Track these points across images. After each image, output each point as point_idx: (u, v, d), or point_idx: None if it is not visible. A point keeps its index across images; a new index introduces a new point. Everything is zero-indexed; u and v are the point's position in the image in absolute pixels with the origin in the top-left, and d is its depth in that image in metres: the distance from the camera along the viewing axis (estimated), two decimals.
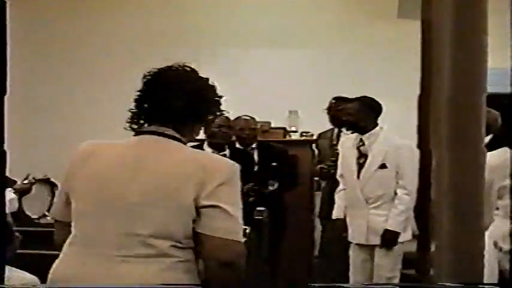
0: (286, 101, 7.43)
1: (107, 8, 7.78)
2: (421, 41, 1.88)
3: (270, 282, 5.29)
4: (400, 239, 4.78)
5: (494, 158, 2.91)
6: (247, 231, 3.78)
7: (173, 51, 7.60)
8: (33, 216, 5.71)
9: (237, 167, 2.30)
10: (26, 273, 3.07)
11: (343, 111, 5.63)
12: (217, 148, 5.38)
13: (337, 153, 5.64)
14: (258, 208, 4.62)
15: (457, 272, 1.79)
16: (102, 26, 7.76)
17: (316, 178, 6.60)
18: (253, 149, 5.87)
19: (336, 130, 6.11)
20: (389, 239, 4.77)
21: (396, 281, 4.82)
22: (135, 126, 2.39)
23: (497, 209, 3.37)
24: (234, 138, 5.82)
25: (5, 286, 2.10)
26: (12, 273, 2.99)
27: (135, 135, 2.37)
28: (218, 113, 2.46)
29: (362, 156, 4.91)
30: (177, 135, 2.32)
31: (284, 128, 7.45)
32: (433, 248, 1.84)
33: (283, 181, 5.70)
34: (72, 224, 2.30)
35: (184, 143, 2.35)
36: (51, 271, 2.29)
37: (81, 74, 7.57)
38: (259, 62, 7.68)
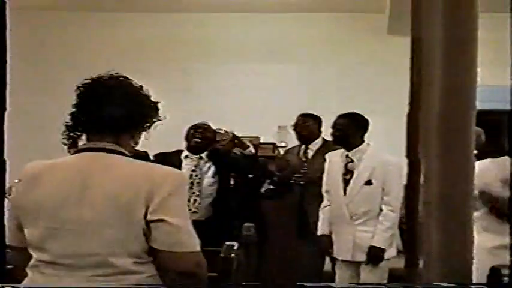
0: (276, 116, 7.44)
1: (101, 21, 7.79)
2: (411, 57, 1.89)
3: None
4: (385, 256, 4.78)
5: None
6: (235, 247, 3.77)
7: (161, 66, 7.63)
8: None
9: (184, 177, 2.33)
10: None
11: (309, 127, 5.70)
12: (195, 151, 5.41)
13: (305, 169, 5.70)
14: (246, 224, 4.61)
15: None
16: (96, 38, 7.76)
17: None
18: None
19: (303, 146, 6.12)
20: (375, 255, 4.77)
21: None
22: (70, 141, 2.33)
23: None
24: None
25: (5, 286, 2.07)
26: None
27: (74, 153, 2.32)
28: (156, 120, 2.41)
29: (348, 173, 4.91)
30: (118, 149, 2.28)
31: (274, 143, 7.46)
32: (421, 264, 1.84)
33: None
34: (30, 249, 2.25)
35: (126, 155, 2.30)
36: None
37: (76, 83, 7.55)
38: (249, 77, 7.70)
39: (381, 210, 4.80)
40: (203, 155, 5.44)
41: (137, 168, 2.24)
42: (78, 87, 2.34)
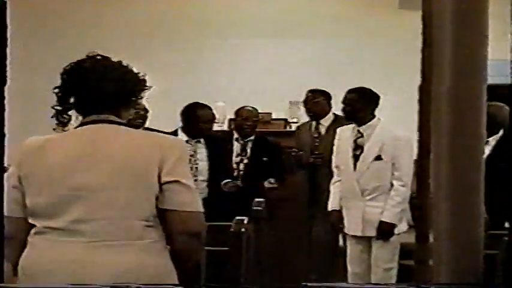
0: (287, 91, 7.43)
1: (105, 1, 7.77)
2: (422, 31, 1.88)
3: (268, 272, 5.30)
4: (396, 231, 4.79)
5: None
6: (245, 222, 3.78)
7: (174, 42, 7.63)
8: None
9: (184, 142, 2.56)
10: None
11: (319, 103, 5.70)
12: (194, 136, 5.45)
13: (316, 145, 5.71)
14: (257, 199, 4.62)
15: (456, 261, 1.79)
16: (102, 18, 7.74)
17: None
18: (249, 141, 5.89)
19: (314, 123, 6.10)
20: (385, 230, 4.78)
21: (394, 271, 4.83)
22: (64, 124, 2.40)
23: None
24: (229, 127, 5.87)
25: (5, 286, 2.10)
26: None
27: (77, 127, 2.38)
28: (144, 92, 2.50)
29: (358, 148, 4.91)
30: (119, 120, 2.38)
31: (285, 119, 7.46)
32: (431, 238, 1.84)
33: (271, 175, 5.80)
34: (32, 218, 2.29)
35: (127, 126, 2.40)
36: (21, 261, 2.29)
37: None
38: (260, 53, 7.69)
39: (391, 185, 4.80)
40: (201, 139, 5.47)
41: (144, 136, 2.43)
42: (64, 70, 2.40)
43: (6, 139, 1.79)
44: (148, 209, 2.24)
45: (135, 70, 2.47)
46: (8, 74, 1.84)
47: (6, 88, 1.84)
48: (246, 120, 5.88)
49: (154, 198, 2.24)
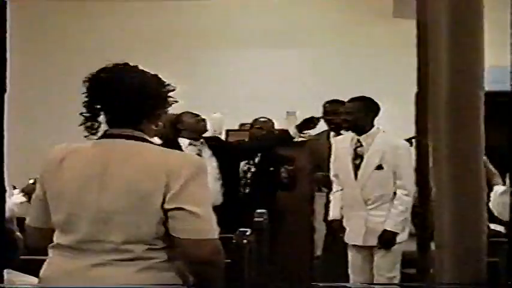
0: (284, 102, 7.43)
1: (103, 11, 7.77)
2: (417, 40, 1.89)
3: (271, 283, 5.28)
4: (398, 239, 4.78)
5: None
6: (248, 233, 3.78)
7: (170, 52, 7.63)
8: None
9: (202, 162, 2.35)
10: (30, 277, 3.07)
11: (340, 113, 5.60)
12: (195, 138, 5.45)
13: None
14: (258, 210, 4.61)
15: (458, 269, 1.79)
16: (98, 30, 7.75)
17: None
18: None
19: (332, 133, 6.04)
20: (387, 239, 4.76)
21: (396, 280, 4.81)
22: (92, 131, 2.36)
23: None
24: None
25: (5, 286, 2.11)
26: (19, 278, 3.00)
27: (99, 138, 2.35)
28: (169, 105, 2.43)
29: (358, 157, 4.89)
30: (138, 134, 2.31)
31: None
32: (433, 247, 1.84)
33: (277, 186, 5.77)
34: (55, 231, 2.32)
35: (146, 140, 2.33)
36: (40, 273, 2.32)
37: (84, 75, 7.53)
38: (257, 63, 7.69)
39: (394, 194, 4.79)
40: (202, 140, 5.48)
41: (155, 156, 2.28)
42: (88, 78, 2.35)
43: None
44: (153, 233, 2.20)
45: (161, 81, 2.40)
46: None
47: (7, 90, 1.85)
48: (261, 129, 5.89)
49: (159, 223, 2.20)
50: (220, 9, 7.86)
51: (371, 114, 4.92)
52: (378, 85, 6.70)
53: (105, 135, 2.34)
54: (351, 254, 4.97)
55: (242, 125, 6.65)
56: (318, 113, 6.18)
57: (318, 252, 6.63)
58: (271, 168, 5.79)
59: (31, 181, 4.73)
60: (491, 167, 3.52)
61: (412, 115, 2.04)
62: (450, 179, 1.80)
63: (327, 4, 7.76)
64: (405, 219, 4.77)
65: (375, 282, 4.82)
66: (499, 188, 3.45)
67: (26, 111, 7.19)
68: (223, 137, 7.21)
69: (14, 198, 4.38)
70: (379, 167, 4.78)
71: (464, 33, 1.77)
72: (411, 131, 2.04)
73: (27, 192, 4.61)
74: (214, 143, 5.59)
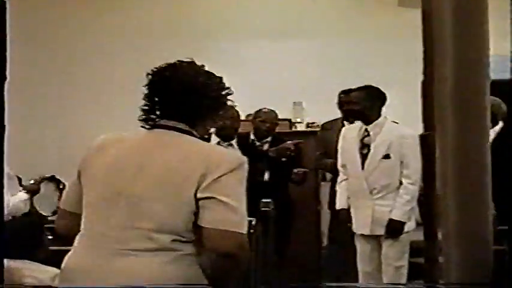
0: (291, 92, 7.43)
1: (102, 5, 7.76)
2: (422, 29, 1.88)
3: (278, 272, 5.29)
4: (405, 229, 4.78)
5: None
6: (253, 223, 3.79)
7: (174, 45, 7.62)
8: (44, 214, 5.78)
9: (243, 160, 2.30)
10: (48, 267, 3.15)
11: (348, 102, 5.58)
12: (225, 138, 5.39)
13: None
14: (264, 200, 4.62)
15: (465, 258, 1.79)
16: (98, 23, 7.72)
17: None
18: (266, 142, 5.86)
19: (346, 122, 6.01)
20: (394, 228, 4.77)
21: (405, 269, 4.82)
22: (150, 123, 2.40)
23: None
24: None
25: (5, 286, 2.12)
26: (40, 268, 3.09)
27: (148, 129, 2.40)
28: (227, 106, 2.47)
29: (365, 147, 4.89)
30: (188, 129, 2.33)
31: (289, 120, 7.45)
32: (439, 236, 1.84)
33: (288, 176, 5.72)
34: (83, 216, 2.33)
35: (195, 136, 2.35)
36: (64, 261, 2.34)
37: (85, 72, 7.55)
38: (263, 54, 7.68)
39: (400, 183, 4.80)
40: (233, 142, 5.44)
41: (197, 148, 2.30)
42: (152, 72, 2.39)
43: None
44: (183, 224, 2.19)
45: (223, 84, 2.44)
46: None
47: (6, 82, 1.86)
48: (264, 122, 5.86)
49: (190, 214, 2.19)
50: (225, 0, 7.85)
51: (378, 103, 4.93)
52: (384, 74, 6.69)
53: (156, 126, 2.37)
54: (358, 244, 4.98)
55: (248, 115, 6.63)
56: (324, 102, 6.19)
57: (325, 241, 6.67)
58: (283, 159, 5.75)
59: (31, 181, 4.86)
60: None
61: (418, 104, 2.04)
62: (456, 168, 1.80)
63: None
64: (411, 208, 4.78)
65: (383, 271, 4.84)
66: None
67: (26, 110, 7.19)
68: None
69: (20, 196, 4.53)
70: (386, 156, 4.79)
71: (469, 22, 1.76)
72: (417, 120, 2.04)
73: (30, 189, 4.74)
74: (243, 143, 5.55)
